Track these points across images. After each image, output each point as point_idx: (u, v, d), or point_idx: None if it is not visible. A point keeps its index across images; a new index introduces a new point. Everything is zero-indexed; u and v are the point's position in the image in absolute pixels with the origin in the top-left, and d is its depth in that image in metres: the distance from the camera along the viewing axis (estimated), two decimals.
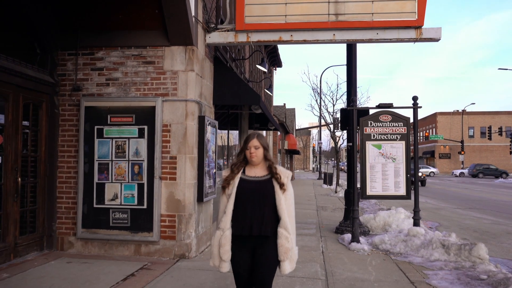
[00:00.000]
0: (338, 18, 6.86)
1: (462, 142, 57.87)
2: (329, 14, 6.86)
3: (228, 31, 7.05)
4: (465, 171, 53.17)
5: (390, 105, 7.87)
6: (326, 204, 16.10)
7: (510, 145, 48.03)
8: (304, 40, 6.96)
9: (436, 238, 7.03)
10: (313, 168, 74.01)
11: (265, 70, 12.46)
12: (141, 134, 6.34)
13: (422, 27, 6.69)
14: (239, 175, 3.28)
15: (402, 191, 7.64)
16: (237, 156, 3.39)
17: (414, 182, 7.87)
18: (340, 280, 5.48)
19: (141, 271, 5.58)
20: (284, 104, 37.01)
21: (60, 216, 6.58)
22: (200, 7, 6.75)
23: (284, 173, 3.28)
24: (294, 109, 47.64)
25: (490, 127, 55.77)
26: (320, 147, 43.02)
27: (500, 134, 53.71)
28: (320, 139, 40.61)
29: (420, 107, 7.84)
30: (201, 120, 6.59)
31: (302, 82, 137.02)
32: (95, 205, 6.41)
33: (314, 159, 77.00)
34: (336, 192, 20.97)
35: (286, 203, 3.20)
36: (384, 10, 6.74)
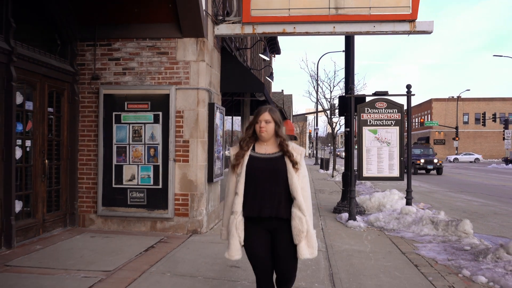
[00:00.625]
0: (338, 12, 7.36)
1: (456, 128, 58.59)
2: (329, 8, 7.35)
3: (235, 23, 7.55)
4: (459, 156, 54.09)
5: (385, 93, 8.43)
6: (324, 187, 16.74)
7: (503, 131, 48.77)
8: (306, 32, 7.47)
9: (426, 215, 7.66)
10: (309, 154, 74.73)
11: (267, 59, 12.98)
12: (156, 120, 6.88)
13: (416, 20, 7.20)
14: (249, 152, 3.03)
15: (396, 172, 8.24)
16: (246, 130, 3.10)
17: (407, 164, 8.47)
18: (339, 252, 6.09)
19: (159, 244, 6.17)
20: (282, 90, 37.51)
21: (81, 196, 7.14)
22: (210, 1, 7.23)
23: (297, 150, 3.01)
24: (291, 95, 48.13)
25: (484, 114, 56.47)
26: (317, 133, 43.64)
27: (494, 121, 54.41)
28: (317, 125, 41.21)
29: (413, 94, 8.41)
30: (211, 107, 7.14)
31: (300, 69, 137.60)
32: (113, 185, 6.97)
33: (310, 145, 77.66)
34: (333, 176, 21.61)
35: (300, 182, 2.95)
36: (381, 4, 7.24)
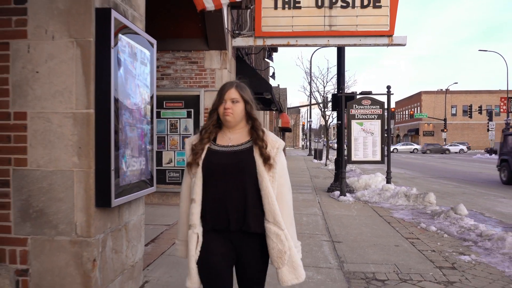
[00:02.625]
0: (332, 28, 9.23)
1: (445, 120, 60.88)
2: (324, 25, 9.22)
3: (248, 37, 9.40)
4: (452, 147, 56.24)
5: (369, 92, 10.37)
6: (318, 174, 18.70)
7: (488, 123, 51.09)
8: (306, 44, 9.35)
9: (401, 191, 9.63)
10: (303, 146, 76.92)
11: (272, 62, 14.88)
12: (188, 115, 8.73)
13: (393, 35, 9.10)
14: (208, 144, 2.28)
15: (378, 157, 10.19)
16: (209, 116, 2.34)
17: (387, 151, 10.41)
18: (332, 215, 8.02)
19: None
20: (278, 85, 39.31)
21: None
22: (229, 20, 9.06)
23: (272, 142, 2.24)
24: (286, 88, 49.98)
25: (471, 106, 58.78)
26: (310, 125, 45.66)
27: (480, 113, 56.80)
28: (310, 117, 43.20)
29: (392, 94, 10.35)
30: None
31: (293, 64, 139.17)
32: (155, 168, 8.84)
33: (304, 137, 79.79)
34: (326, 165, 23.62)
35: (274, 184, 2.20)
36: (365, 23, 9.12)
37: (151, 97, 3.81)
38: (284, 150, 2.33)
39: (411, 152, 55.24)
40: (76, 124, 2.88)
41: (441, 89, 70.20)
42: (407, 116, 73.64)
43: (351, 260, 5.03)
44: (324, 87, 26.80)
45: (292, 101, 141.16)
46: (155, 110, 3.93)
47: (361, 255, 5.28)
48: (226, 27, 8.64)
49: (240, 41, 9.40)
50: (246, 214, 2.16)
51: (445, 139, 62.39)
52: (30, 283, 2.92)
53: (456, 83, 75.71)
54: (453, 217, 7.14)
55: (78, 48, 2.86)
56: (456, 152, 53.58)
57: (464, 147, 56.62)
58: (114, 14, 2.90)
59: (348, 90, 21.91)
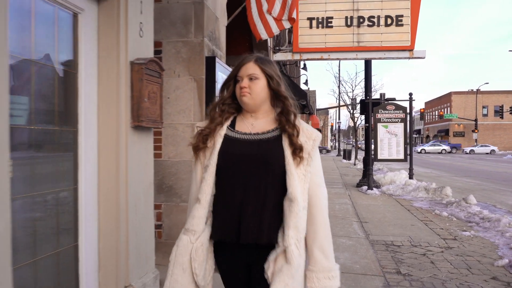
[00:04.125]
0: (360, 44, 10.67)
1: (475, 120, 60.70)
2: (353, 42, 10.68)
3: (287, 52, 10.94)
4: (475, 148, 56.25)
5: (393, 99, 11.77)
6: (347, 173, 20.06)
7: None
8: (337, 58, 10.83)
9: (422, 185, 10.97)
10: (331, 146, 77.86)
11: (306, 71, 16.40)
12: None
13: (413, 50, 10.46)
14: (224, 128, 1.77)
15: (401, 156, 11.55)
16: (220, 92, 1.85)
17: (410, 151, 11.76)
18: (360, 204, 9.47)
19: None
20: (308, 88, 40.64)
21: None
22: (271, 38, 10.63)
23: (308, 132, 1.74)
24: (315, 91, 51.21)
25: (502, 106, 58.46)
26: (339, 126, 46.85)
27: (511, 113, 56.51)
28: (339, 119, 44.41)
29: (414, 100, 11.69)
30: None
31: (322, 67, 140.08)
32: None
33: (333, 138, 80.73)
34: (354, 164, 24.90)
35: (306, 185, 1.69)
36: (389, 39, 10.52)
37: None
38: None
39: (438, 152, 55.49)
40: (193, 131, 4.50)
41: (472, 90, 69.86)
42: (436, 116, 73.53)
43: (375, 233, 6.51)
44: (353, 91, 28.05)
45: (320, 102, 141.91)
46: None
47: (383, 230, 6.75)
48: (269, 44, 10.23)
49: (280, 56, 10.95)
50: (267, 223, 1.66)
51: (476, 139, 62.17)
52: (163, 233, 4.55)
53: (487, 83, 75.06)
54: (463, 205, 8.48)
55: (195, 82, 4.48)
56: (486, 153, 53.53)
57: (495, 148, 56.42)
58: (217, 60, 4.52)
59: (376, 93, 23.20)
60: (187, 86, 4.49)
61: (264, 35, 6.82)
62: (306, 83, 18.23)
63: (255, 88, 1.74)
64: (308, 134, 1.73)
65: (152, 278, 3.35)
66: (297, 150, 1.69)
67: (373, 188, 11.60)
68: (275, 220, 1.69)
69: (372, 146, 11.84)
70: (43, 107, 2.45)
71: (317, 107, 60.41)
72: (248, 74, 1.76)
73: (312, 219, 1.73)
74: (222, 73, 4.81)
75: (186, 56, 4.49)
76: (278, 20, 5.61)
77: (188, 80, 4.49)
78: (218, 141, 1.75)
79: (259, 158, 1.69)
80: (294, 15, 5.72)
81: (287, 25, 5.78)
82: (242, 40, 10.18)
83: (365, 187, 11.95)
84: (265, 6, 5.58)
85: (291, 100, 1.79)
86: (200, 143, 1.77)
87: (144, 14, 3.13)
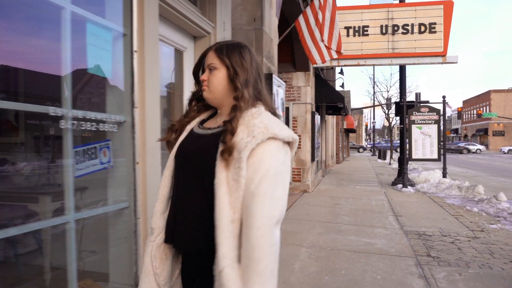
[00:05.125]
0: (394, 51, 11.38)
1: None
2: (388, 48, 11.40)
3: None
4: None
5: (427, 102, 12.38)
6: (383, 172, 20.60)
7: None
8: (373, 64, 11.58)
9: (455, 183, 11.56)
10: (365, 146, 77.61)
11: (343, 76, 17.15)
12: None
13: (446, 55, 11.08)
14: (193, 123, 1.65)
15: (435, 155, 12.15)
16: (194, 85, 1.73)
17: (443, 150, 12.33)
18: (395, 201, 10.19)
19: (288, 196, 10.54)
20: (343, 89, 41.13)
21: None
22: None
23: (254, 127, 1.39)
24: (349, 91, 51.52)
25: None
26: (374, 126, 47.00)
27: None
28: (374, 118, 44.59)
29: (447, 102, 12.25)
30: (313, 114, 11.43)
31: (357, 67, 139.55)
32: None
33: (367, 137, 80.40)
34: (390, 164, 25.33)
35: (238, 193, 1.38)
36: (422, 45, 11.18)
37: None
38: (291, 145, 1.48)
39: (473, 152, 54.64)
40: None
41: None
42: (475, 115, 72.05)
43: (408, 225, 7.27)
44: (388, 92, 28.46)
45: (354, 101, 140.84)
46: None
47: (416, 223, 7.50)
48: None
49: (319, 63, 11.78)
50: (193, 226, 1.47)
51: None
52: None
53: None
54: (493, 202, 9.08)
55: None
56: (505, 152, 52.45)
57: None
58: (273, 76, 5.45)
59: (411, 93, 23.61)
60: None
61: (318, 60, 7.70)
62: (342, 86, 18.94)
63: (213, 80, 1.53)
64: (250, 130, 1.38)
65: None
66: (225, 149, 1.38)
67: (408, 186, 12.25)
68: (205, 228, 1.42)
69: (407, 146, 12.49)
70: (165, 122, 3.45)
71: (351, 107, 60.61)
72: (207, 65, 1.56)
73: (244, 240, 1.35)
74: (277, 87, 5.74)
75: None
76: (328, 48, 6.48)
77: None
78: (182, 135, 1.61)
79: (192, 154, 1.51)
80: (342, 51, 6.57)
81: (335, 55, 6.64)
82: (284, 47, 11.08)
83: (400, 185, 12.60)
84: (317, 35, 6.48)
85: (249, 91, 1.50)
86: (170, 138, 1.64)
87: None
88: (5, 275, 3.81)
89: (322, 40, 6.51)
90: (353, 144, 65.50)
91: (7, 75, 1.96)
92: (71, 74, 2.12)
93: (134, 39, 2.59)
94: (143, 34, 2.61)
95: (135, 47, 2.60)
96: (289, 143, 1.48)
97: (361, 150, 54.52)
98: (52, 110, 1.96)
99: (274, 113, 1.55)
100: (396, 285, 4.30)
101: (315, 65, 11.81)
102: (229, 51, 1.55)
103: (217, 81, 1.53)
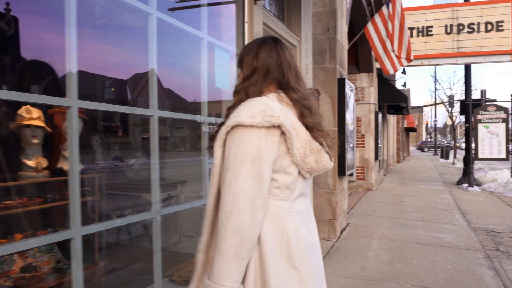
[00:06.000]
0: (459, 50, 11.40)
1: None
2: (453, 48, 11.43)
3: None
4: None
5: (494, 100, 12.23)
6: (446, 172, 20.26)
7: None
8: (437, 64, 11.65)
9: None
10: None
11: (405, 76, 17.17)
12: None
13: None
14: None
15: (503, 155, 12.00)
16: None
17: None
18: (461, 199, 10.26)
19: (353, 194, 10.92)
20: (405, 88, 40.40)
21: None
22: None
23: (231, 115, 1.44)
24: (409, 89, 50.37)
25: None
26: (435, 125, 45.67)
27: None
28: (435, 117, 43.34)
29: None
30: (376, 114, 11.70)
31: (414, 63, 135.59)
32: None
33: (428, 137, 77.85)
34: (453, 163, 24.73)
35: (215, 179, 1.47)
36: (489, 44, 11.12)
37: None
38: (236, 126, 1.38)
39: None
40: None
41: None
42: None
43: (476, 222, 7.45)
44: (451, 89, 27.74)
45: (414, 100, 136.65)
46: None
47: (483, 220, 7.65)
48: (373, 55, 11.38)
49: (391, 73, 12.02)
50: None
51: None
52: None
53: None
54: None
55: (329, 98, 5.92)
56: None
57: None
58: (346, 81, 5.92)
59: (476, 91, 22.96)
60: (324, 101, 5.94)
61: (390, 70, 8.07)
62: (404, 85, 18.90)
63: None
64: (232, 115, 1.42)
65: None
66: (210, 138, 1.54)
67: (474, 186, 12.18)
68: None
69: (473, 145, 12.42)
70: None
71: (412, 105, 59.13)
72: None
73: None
74: (349, 91, 6.19)
75: (322, 79, 5.95)
76: (398, 57, 6.85)
77: (324, 97, 5.94)
78: None
79: None
80: (412, 57, 6.90)
81: (405, 63, 7.00)
82: (348, 49, 11.42)
83: (465, 185, 12.54)
84: (388, 46, 6.87)
85: (244, 85, 1.55)
86: None
87: (308, 58, 4.63)
88: (122, 254, 4.59)
89: (393, 50, 6.87)
90: (424, 141, 63.85)
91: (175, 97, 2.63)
92: (207, 89, 2.75)
93: None
94: None
95: None
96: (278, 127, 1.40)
97: (425, 149, 53.61)
98: (198, 118, 2.59)
99: (295, 100, 1.54)
100: (466, 275, 4.64)
101: (377, 67, 12.06)
102: (243, 49, 1.65)
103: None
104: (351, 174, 7.26)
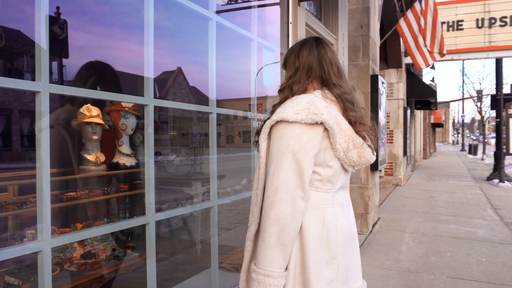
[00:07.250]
0: (491, 44, 11.27)
1: None
2: (484, 42, 11.31)
3: None
4: None
5: None
6: (475, 168, 19.98)
7: None
8: (468, 58, 11.55)
9: None
10: (453, 141, 73.80)
11: (433, 71, 16.97)
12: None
13: None
14: None
15: None
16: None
17: None
18: (492, 195, 10.19)
19: (381, 189, 10.96)
20: (432, 83, 39.85)
21: None
22: (402, 43, 11.72)
23: (277, 111, 1.52)
24: (436, 84, 49.60)
25: None
26: (463, 120, 44.82)
27: None
28: (463, 112, 42.54)
29: None
30: (405, 109, 11.68)
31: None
32: None
33: (454, 132, 76.38)
34: (482, 159, 24.34)
35: (261, 170, 1.54)
36: None
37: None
38: (280, 121, 1.46)
39: None
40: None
41: None
42: None
43: (509, 217, 7.44)
44: (480, 84, 27.23)
45: (440, 95, 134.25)
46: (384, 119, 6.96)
47: None
48: (402, 50, 11.37)
49: (409, 59, 11.98)
50: None
51: None
52: None
53: None
54: None
55: (362, 95, 6.03)
56: None
57: None
58: (379, 78, 6.01)
59: (506, 85, 22.46)
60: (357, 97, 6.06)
61: (422, 65, 8.11)
62: (432, 80, 18.70)
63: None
64: (275, 113, 1.49)
65: None
66: (256, 132, 1.62)
67: (505, 181, 12.04)
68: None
69: (504, 141, 12.27)
70: None
71: (439, 100, 58.16)
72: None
73: None
74: (381, 86, 6.29)
75: (355, 75, 6.06)
76: (431, 52, 6.89)
77: (358, 93, 6.05)
78: None
79: None
80: (444, 51, 6.92)
81: (438, 57, 7.03)
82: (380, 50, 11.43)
83: (496, 180, 12.41)
84: (421, 41, 6.91)
85: (289, 83, 1.65)
86: None
87: (345, 55, 4.75)
88: (165, 245, 4.82)
89: (425, 45, 6.91)
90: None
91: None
92: (255, 88, 2.93)
93: None
94: None
95: None
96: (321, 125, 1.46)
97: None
98: (249, 114, 2.78)
99: (338, 95, 1.62)
100: (502, 267, 4.71)
101: (407, 62, 12.03)
102: (285, 58, 1.74)
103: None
104: (380, 170, 7.38)
